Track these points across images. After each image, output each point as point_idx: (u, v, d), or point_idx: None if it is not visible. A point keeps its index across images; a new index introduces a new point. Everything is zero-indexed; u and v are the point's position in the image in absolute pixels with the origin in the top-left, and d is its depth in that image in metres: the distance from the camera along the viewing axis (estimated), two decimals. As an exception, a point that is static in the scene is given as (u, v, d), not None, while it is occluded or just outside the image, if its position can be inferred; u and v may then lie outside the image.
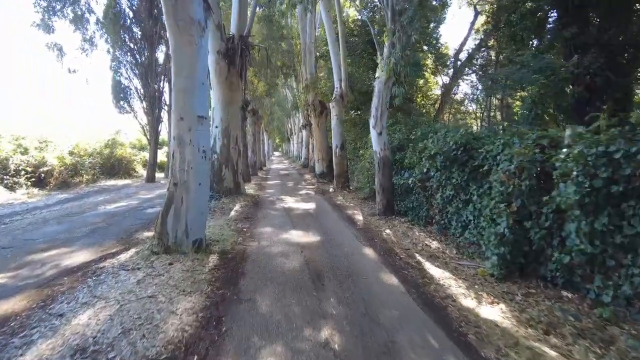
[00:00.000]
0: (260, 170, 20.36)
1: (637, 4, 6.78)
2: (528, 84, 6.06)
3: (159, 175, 17.05)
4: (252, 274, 3.59)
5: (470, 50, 15.13)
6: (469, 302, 3.03)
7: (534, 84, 5.87)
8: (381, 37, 6.40)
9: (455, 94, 16.94)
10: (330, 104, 11.13)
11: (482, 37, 12.97)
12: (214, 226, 5.54)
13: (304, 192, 10.76)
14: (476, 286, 3.35)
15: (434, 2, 12.80)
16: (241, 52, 8.11)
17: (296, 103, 21.79)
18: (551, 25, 8.08)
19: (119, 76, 14.34)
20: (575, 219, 2.90)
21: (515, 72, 6.04)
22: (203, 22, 4.18)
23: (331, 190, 10.70)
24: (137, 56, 14.37)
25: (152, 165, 15.17)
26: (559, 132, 3.75)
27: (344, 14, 13.89)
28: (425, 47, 13.79)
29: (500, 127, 7.29)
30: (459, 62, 15.35)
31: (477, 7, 14.95)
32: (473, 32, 15.38)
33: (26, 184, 11.63)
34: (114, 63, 14.19)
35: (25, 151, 12.83)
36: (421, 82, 14.51)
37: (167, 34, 4.16)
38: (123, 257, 4.16)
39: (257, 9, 13.76)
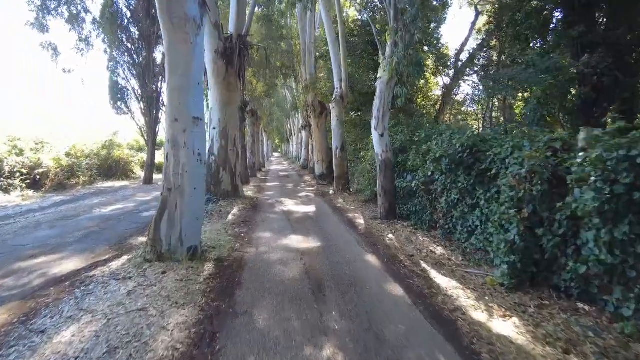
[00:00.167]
0: (259, 172, 20.17)
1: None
2: (534, 84, 5.90)
3: (157, 177, 16.84)
4: (250, 284, 3.40)
5: (471, 51, 15.01)
6: (479, 315, 2.85)
7: (540, 85, 5.70)
8: (383, 37, 6.24)
9: (456, 95, 16.80)
10: (330, 104, 10.97)
11: (484, 37, 12.81)
12: (210, 231, 5.35)
13: (303, 194, 10.58)
14: (486, 297, 3.17)
15: (435, 3, 12.67)
16: (239, 51, 7.94)
17: (296, 104, 21.63)
18: (554, 25, 7.94)
19: (116, 76, 14.16)
20: (593, 227, 2.72)
21: (522, 72, 5.87)
22: (199, 20, 4.00)
23: (331, 192, 10.53)
24: (135, 56, 14.18)
25: (150, 167, 14.98)
26: (570, 135, 3.58)
27: (344, 14, 13.74)
28: (426, 48, 13.65)
29: (502, 128, 7.12)
30: (459, 63, 15.22)
31: (478, 7, 14.83)
32: (474, 32, 15.27)
33: (21, 186, 11.43)
34: (111, 63, 14.01)
35: (20, 152, 12.63)
36: (422, 82, 14.36)
37: (162, 32, 3.99)
38: (115, 264, 3.97)
39: (257, 8, 13.62)
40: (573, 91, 6.83)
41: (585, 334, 2.46)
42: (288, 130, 36.49)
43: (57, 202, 9.71)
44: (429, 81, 15.93)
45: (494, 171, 4.07)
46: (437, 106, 15.75)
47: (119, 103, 14.40)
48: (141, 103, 14.29)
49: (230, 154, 8.18)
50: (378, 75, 6.25)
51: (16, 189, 11.22)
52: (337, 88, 10.56)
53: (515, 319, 2.76)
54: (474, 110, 16.26)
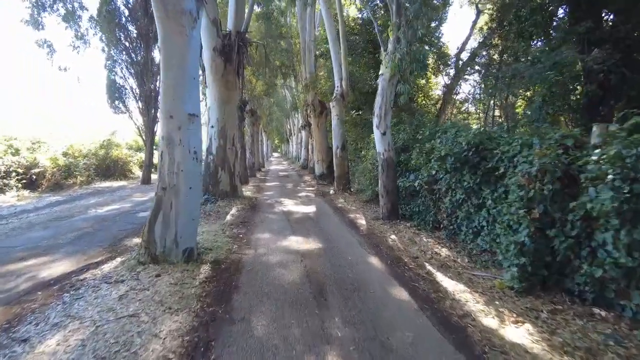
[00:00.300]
0: (258, 172, 20.02)
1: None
2: (540, 81, 5.75)
3: (155, 176, 16.64)
4: (247, 288, 3.25)
5: (472, 50, 14.89)
6: (490, 321, 2.70)
7: (546, 81, 5.56)
8: (385, 33, 6.08)
9: (457, 94, 16.67)
10: (330, 103, 10.82)
11: (486, 34, 12.67)
12: (207, 232, 5.20)
13: (303, 194, 10.42)
14: (496, 301, 3.02)
15: (435, 1, 12.53)
16: (238, 49, 7.78)
17: (295, 103, 21.48)
18: (557, 22, 7.79)
19: (114, 75, 13.98)
20: (611, 227, 2.57)
21: (528, 68, 5.72)
22: (195, 12, 3.85)
23: (331, 192, 10.38)
24: (133, 55, 14.01)
25: (148, 167, 14.81)
26: (582, 132, 3.43)
27: (344, 13, 13.60)
28: (427, 47, 13.51)
29: (505, 127, 6.96)
30: (460, 62, 15.10)
31: (479, 6, 14.71)
32: (475, 31, 15.15)
33: (17, 186, 11.26)
34: (109, 62, 13.83)
35: (16, 152, 12.47)
36: (422, 82, 14.23)
37: (156, 25, 3.83)
38: (107, 267, 3.82)
39: (256, 6, 13.47)
40: (579, 88, 6.68)
41: (605, 342, 2.30)
42: (288, 130, 36.34)
43: (52, 203, 9.54)
44: (429, 81, 15.81)
45: (501, 170, 3.93)
46: (438, 106, 15.63)
47: (116, 102, 14.21)
48: (139, 102, 14.11)
49: (228, 153, 8.02)
50: (380, 72, 6.10)
51: (12, 189, 11.06)
52: (337, 87, 10.41)
53: (528, 325, 2.61)
54: (475, 110, 16.10)
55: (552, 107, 6.12)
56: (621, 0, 6.00)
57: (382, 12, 11.11)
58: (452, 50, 15.89)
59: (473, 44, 15.77)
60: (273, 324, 2.58)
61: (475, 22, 15.24)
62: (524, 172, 3.45)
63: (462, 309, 2.89)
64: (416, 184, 5.64)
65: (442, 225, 5.44)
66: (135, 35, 13.91)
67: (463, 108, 17.43)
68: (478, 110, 15.74)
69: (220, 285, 3.32)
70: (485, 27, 13.20)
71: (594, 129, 3.18)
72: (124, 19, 13.68)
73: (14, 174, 11.38)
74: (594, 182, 2.79)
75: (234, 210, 7.09)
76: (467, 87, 21.90)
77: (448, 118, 15.91)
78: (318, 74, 14.03)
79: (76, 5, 9.09)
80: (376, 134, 6.27)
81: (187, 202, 3.78)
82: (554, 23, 7.84)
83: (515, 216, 3.40)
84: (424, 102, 14.97)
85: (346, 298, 3.06)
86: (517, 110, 13.79)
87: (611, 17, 6.65)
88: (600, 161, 2.69)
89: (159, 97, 3.85)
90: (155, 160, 16.94)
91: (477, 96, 15.08)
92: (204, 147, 8.33)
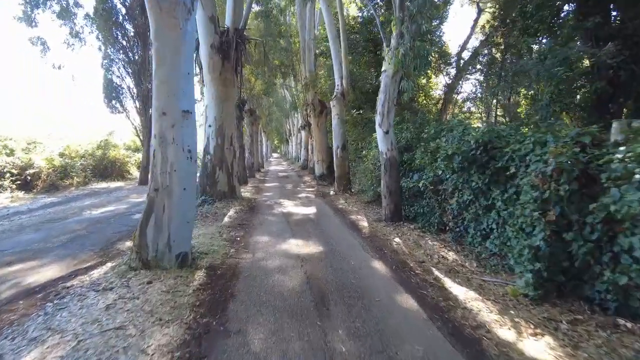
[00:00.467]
0: (258, 172, 19.82)
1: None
2: (547, 78, 5.55)
3: (153, 177, 16.46)
4: (244, 296, 3.04)
5: (473, 49, 14.73)
6: (506, 332, 2.50)
7: (555, 78, 5.36)
8: (387, 28, 5.88)
9: (458, 93, 16.50)
10: (330, 102, 10.62)
11: (488, 32, 12.49)
12: (203, 235, 4.99)
13: (303, 195, 10.22)
14: (511, 311, 2.82)
15: (436, 0, 12.35)
16: (236, 46, 7.59)
17: (295, 103, 21.27)
18: (562, 18, 7.60)
19: (111, 74, 13.79)
20: (638, 232, 2.37)
21: (537, 65, 5.52)
22: (189, 4, 3.65)
23: (332, 193, 10.18)
24: (130, 54, 13.82)
25: (146, 168, 14.56)
26: (600, 129, 3.23)
27: (345, 12, 13.42)
28: (427, 46, 13.32)
29: (514, 125, 6.75)
30: (462, 61, 14.93)
31: (480, 4, 14.53)
32: (477, 29, 14.98)
33: (11, 187, 11.05)
34: (106, 61, 13.64)
35: (11, 152, 12.25)
36: (423, 81, 14.05)
37: (149, 17, 3.63)
38: (96, 273, 3.61)
39: (255, 5, 13.28)
40: (587, 86, 6.49)
41: (637, 358, 2.10)
42: (287, 131, 36.13)
43: (47, 204, 9.33)
44: (430, 80, 15.64)
45: (512, 170, 3.72)
46: (439, 105, 15.45)
47: (113, 102, 14.02)
48: (136, 102, 13.92)
49: (226, 153, 7.81)
50: (382, 69, 5.91)
51: (6, 189, 10.84)
52: (337, 85, 10.22)
53: (548, 338, 2.41)
54: (477, 109, 15.92)
55: (560, 105, 5.92)
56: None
57: (383, 10, 10.93)
58: (452, 50, 15.75)
59: (474, 43, 15.63)
60: (271, 337, 2.38)
61: (476, 21, 15.07)
62: (538, 172, 3.25)
63: (475, 319, 2.69)
64: (420, 185, 5.44)
65: (447, 228, 5.24)
66: (132, 33, 13.72)
67: (464, 108, 17.27)
68: (480, 110, 15.56)
69: (216, 293, 3.11)
70: (487, 26, 13.00)
71: (614, 125, 2.98)
72: (121, 17, 13.48)
73: (8, 174, 11.16)
74: (617, 182, 2.59)
75: (231, 212, 6.88)
76: (468, 87, 21.73)
77: (449, 118, 15.74)
78: (318, 72, 13.84)
79: (71, 1, 8.89)
80: (378, 133, 6.07)
81: (180, 204, 3.57)
82: (559, 20, 7.66)
83: (529, 218, 3.20)
84: (424, 101, 14.79)
85: (350, 307, 2.86)
86: (519, 110, 13.64)
87: (620, 12, 6.44)
88: (626, 159, 2.49)
89: (152, 94, 3.64)
90: (153, 160, 16.73)
91: (479, 95, 14.91)
92: (202, 146, 8.14)
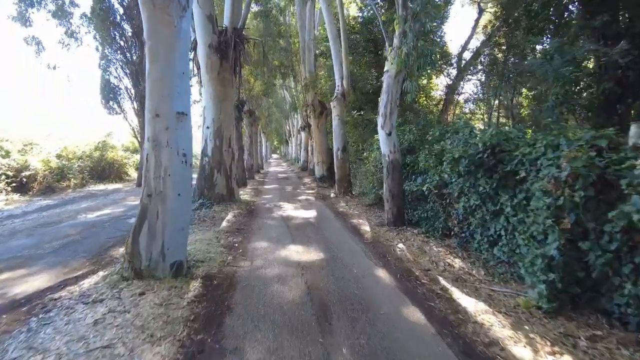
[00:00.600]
0: (257, 174, 19.65)
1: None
2: (554, 78, 5.40)
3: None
4: (242, 309, 2.87)
5: (474, 50, 14.61)
6: (521, 350, 2.33)
7: (563, 78, 5.20)
8: (390, 27, 5.73)
9: (459, 94, 16.36)
10: (331, 103, 10.46)
11: (490, 32, 12.35)
12: (200, 241, 4.82)
13: (303, 197, 10.06)
14: (525, 325, 2.65)
15: (437, 0, 12.20)
16: (235, 45, 7.43)
17: (294, 104, 21.13)
18: (566, 18, 7.45)
19: (108, 75, 13.61)
20: (665, 244, 2.21)
21: (544, 64, 5.36)
22: (184, 1, 3.49)
23: (332, 195, 10.01)
24: (128, 54, 13.65)
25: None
26: (617, 132, 3.07)
27: (345, 12, 13.28)
28: (429, 47, 13.17)
29: (521, 127, 6.59)
30: (463, 61, 14.79)
31: (481, 4, 14.39)
32: (479, 29, 14.85)
33: (6, 190, 10.88)
34: (103, 61, 13.46)
35: (6, 154, 12.08)
36: (424, 82, 13.90)
37: (142, 14, 3.47)
38: (87, 283, 3.44)
39: (254, 5, 13.12)
40: (593, 86, 6.33)
41: (666, 383, 1.94)
42: (287, 131, 35.99)
43: (42, 207, 9.16)
44: (431, 81, 15.49)
45: (522, 174, 3.56)
46: (440, 106, 15.30)
47: (111, 103, 13.84)
48: (134, 103, 13.74)
49: (225, 155, 7.65)
50: (385, 69, 5.74)
51: (0, 192, 10.67)
52: (338, 86, 10.06)
53: (567, 358, 2.24)
54: (478, 110, 15.78)
55: (567, 105, 5.76)
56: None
57: (383, 10, 10.79)
58: (453, 50, 15.61)
59: (475, 43, 15.51)
60: (270, 357, 2.21)
61: (477, 21, 14.94)
62: (550, 177, 3.09)
63: (487, 335, 2.52)
64: (424, 188, 5.28)
65: (452, 233, 5.08)
66: (130, 34, 13.54)
67: (465, 108, 17.12)
68: (482, 111, 15.41)
69: (212, 305, 2.95)
70: (489, 26, 12.85)
71: (633, 128, 2.83)
72: (118, 17, 13.31)
73: (3, 177, 11.00)
74: (639, 189, 2.43)
75: (230, 216, 6.71)
76: (469, 87, 21.61)
77: (451, 119, 15.60)
78: (318, 73, 13.69)
79: (67, 0, 8.72)
80: (381, 135, 5.91)
81: (175, 211, 3.41)
82: (565, 19, 7.51)
83: (541, 226, 3.04)
84: (425, 102, 14.65)
85: (353, 321, 2.69)
86: (521, 111, 13.49)
87: (628, 10, 6.29)
88: (650, 165, 2.33)
89: (146, 95, 3.48)
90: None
91: (480, 96, 14.77)
92: (199, 148, 7.98)
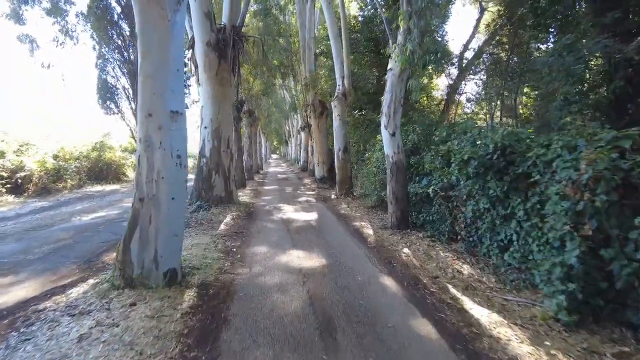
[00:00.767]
0: (256, 174, 19.45)
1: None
2: (564, 76, 5.21)
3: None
4: (239, 322, 2.68)
5: (475, 49, 14.46)
6: (544, 370, 2.14)
7: (573, 76, 5.01)
8: (393, 24, 5.54)
9: (460, 94, 16.20)
10: (332, 103, 10.26)
11: (493, 30, 12.18)
12: (197, 245, 4.62)
13: (303, 199, 9.86)
14: (546, 341, 2.46)
15: None
16: (233, 43, 7.24)
17: (294, 104, 20.95)
18: (572, 15, 7.26)
19: (106, 74, 13.44)
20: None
21: (556, 61, 5.15)
22: (178, -7, 3.29)
23: (333, 196, 9.82)
24: (126, 53, 13.49)
25: (141, 170, 14.21)
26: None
27: (346, 11, 13.10)
28: (430, 46, 13.00)
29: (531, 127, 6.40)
30: (465, 61, 14.64)
31: (483, 3, 14.23)
32: (481, 28, 14.69)
33: (0, 191, 10.66)
34: (100, 61, 13.29)
35: (1, 155, 11.86)
36: (425, 81, 13.73)
37: (133, 7, 3.28)
38: (75, 292, 3.24)
39: (253, 3, 12.94)
40: (605, 86, 6.15)
41: None
42: (287, 132, 35.79)
43: (36, 209, 8.95)
44: (432, 81, 15.33)
45: (537, 176, 3.37)
46: (441, 106, 15.14)
47: (108, 102, 13.66)
48: (132, 103, 13.59)
49: (223, 156, 7.45)
50: (388, 67, 5.55)
51: (-5, 194, 10.45)
52: (339, 85, 9.87)
53: (595, 379, 2.05)
54: (481, 109, 15.61)
55: (577, 105, 5.57)
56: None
57: (384, 10, 10.60)
58: (454, 50, 15.44)
59: (477, 42, 15.35)
60: (270, 379, 2.02)
61: (479, 20, 14.78)
62: (568, 180, 2.90)
63: (505, 352, 2.33)
64: (430, 190, 5.09)
65: (459, 237, 4.89)
66: (128, 32, 13.37)
67: (466, 109, 16.96)
68: (484, 111, 15.24)
69: (207, 318, 2.75)
70: (492, 24, 12.67)
71: (659, 127, 2.63)
72: (116, 16, 13.15)
73: (-3, 178, 10.78)
74: (670, 194, 2.24)
75: (228, 219, 6.51)
76: (470, 87, 21.48)
77: (452, 119, 15.44)
78: (318, 72, 13.50)
79: (62, -1, 8.53)
80: (384, 135, 5.72)
81: (168, 216, 3.21)
82: (571, 16, 7.33)
83: (559, 232, 2.85)
84: (426, 102, 14.48)
85: (360, 336, 2.49)
86: (523, 111, 13.32)
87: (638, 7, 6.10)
88: (685, 168, 2.14)
89: (138, 93, 3.29)
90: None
91: (482, 95, 14.60)
92: (197, 149, 7.78)
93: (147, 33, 3.20)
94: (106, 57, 13.37)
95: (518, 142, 3.78)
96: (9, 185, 11.02)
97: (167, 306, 2.87)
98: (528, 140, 3.79)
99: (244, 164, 13.95)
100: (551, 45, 8.22)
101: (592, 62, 5.05)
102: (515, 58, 11.26)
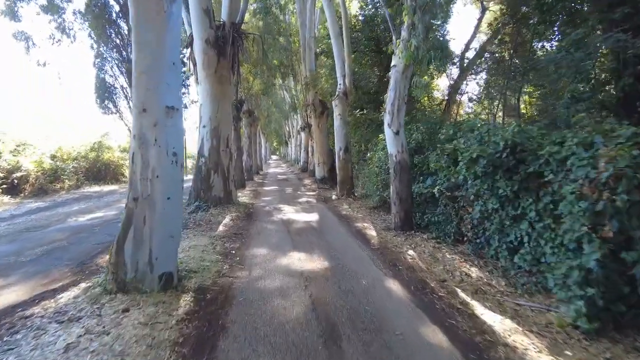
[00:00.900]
0: (256, 175, 19.30)
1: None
2: (574, 73, 5.07)
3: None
4: (238, 329, 2.52)
5: (477, 49, 14.36)
6: (566, 383, 1.98)
7: (581, 73, 4.87)
8: (397, 20, 5.40)
9: (462, 94, 16.09)
10: (333, 102, 10.12)
11: (495, 29, 12.06)
12: (194, 247, 4.46)
13: (304, 199, 9.71)
14: (566, 351, 2.30)
15: (440, -1, 11.91)
16: (233, 41, 7.09)
17: (294, 104, 20.82)
18: (577, 10, 7.12)
19: (104, 74, 13.29)
20: None
21: (565, 57, 5.01)
22: (175, -17, 3.15)
23: (334, 197, 9.66)
24: (124, 52, 13.33)
25: (140, 170, 14.05)
26: None
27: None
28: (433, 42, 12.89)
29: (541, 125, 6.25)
30: (466, 60, 14.53)
31: (484, 3, 14.11)
32: (483, 27, 14.58)
33: (-4, 192, 10.51)
34: (98, 60, 13.14)
35: (-2, 155, 11.71)
36: (426, 79, 13.59)
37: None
38: (65, 297, 3.08)
39: (252, 2, 12.81)
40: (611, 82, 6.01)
41: None
42: (286, 132, 35.66)
43: (32, 209, 8.80)
44: (432, 81, 15.21)
45: (550, 175, 3.21)
46: (442, 106, 15.01)
47: (106, 102, 13.50)
48: (130, 102, 13.41)
49: (222, 156, 7.30)
50: (392, 64, 5.41)
51: (-10, 194, 10.30)
52: (340, 84, 9.73)
53: (623, 393, 1.89)
54: (483, 109, 15.48)
55: (585, 102, 5.42)
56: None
57: (386, 6, 10.48)
58: (456, 49, 15.33)
59: (478, 42, 15.25)
60: (271, 393, 1.86)
61: (480, 19, 14.68)
62: (586, 179, 2.75)
63: (522, 362, 2.17)
64: (435, 190, 4.93)
65: (465, 238, 4.74)
66: (126, 31, 13.21)
67: (467, 108, 16.85)
68: (486, 110, 15.10)
69: (204, 324, 2.59)
70: (494, 23, 12.55)
71: (683, 123, 2.48)
72: (114, 14, 12.99)
73: (-7, 178, 10.63)
74: (700, 194, 2.09)
75: (227, 219, 6.35)
76: (472, 87, 21.36)
77: (453, 119, 15.31)
78: (318, 72, 13.36)
79: (59, -5, 8.38)
80: (388, 134, 5.57)
81: (164, 216, 3.05)
82: (577, 13, 7.19)
83: (577, 234, 2.70)
84: (427, 102, 14.36)
85: (366, 345, 2.33)
86: (524, 111, 13.18)
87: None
88: None
89: (132, 88, 3.14)
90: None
91: (484, 95, 14.48)
92: (196, 148, 7.63)
93: (143, 24, 3.05)
94: (104, 56, 13.22)
95: (529, 139, 3.64)
96: (5, 186, 10.88)
97: (161, 312, 2.71)
98: (540, 138, 3.66)
99: (243, 164, 13.80)
100: (556, 44, 8.10)
101: (602, 59, 4.88)
102: (517, 60, 11.12)
